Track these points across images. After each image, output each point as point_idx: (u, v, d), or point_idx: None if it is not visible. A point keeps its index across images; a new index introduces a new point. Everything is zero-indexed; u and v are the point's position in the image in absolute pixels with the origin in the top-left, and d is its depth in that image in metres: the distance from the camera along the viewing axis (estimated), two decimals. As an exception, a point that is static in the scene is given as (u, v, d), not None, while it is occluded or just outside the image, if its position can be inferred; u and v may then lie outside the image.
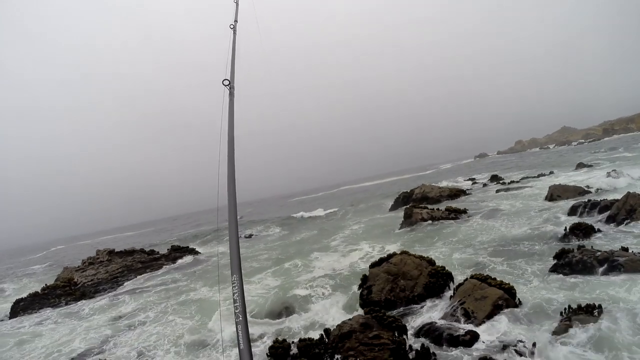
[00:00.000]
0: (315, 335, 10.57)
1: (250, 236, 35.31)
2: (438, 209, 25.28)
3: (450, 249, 17.27)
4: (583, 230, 15.24)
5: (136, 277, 26.18)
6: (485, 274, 11.37)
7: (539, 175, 40.00)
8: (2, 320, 20.82)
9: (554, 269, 12.25)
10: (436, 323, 10.28)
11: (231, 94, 5.45)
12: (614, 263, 11.11)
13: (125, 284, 24.43)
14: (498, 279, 10.93)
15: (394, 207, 36.41)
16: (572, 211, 19.30)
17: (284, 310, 14.09)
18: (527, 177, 40.37)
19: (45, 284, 24.88)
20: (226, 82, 5.39)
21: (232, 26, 6.34)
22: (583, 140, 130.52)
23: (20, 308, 21.78)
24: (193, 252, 30.80)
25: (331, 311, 13.27)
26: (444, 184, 41.83)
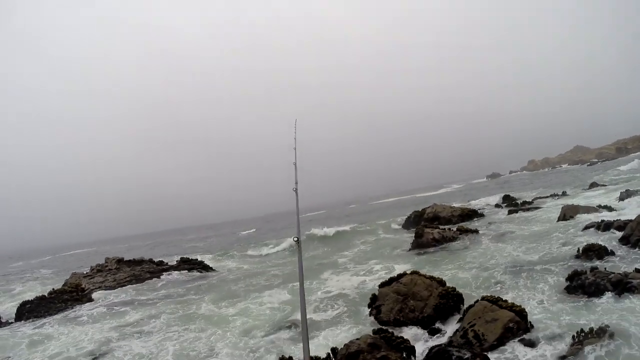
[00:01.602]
0: (322, 353, 10.49)
1: (259, 255, 35.09)
2: (450, 229, 25.11)
3: (461, 270, 17.11)
4: (596, 252, 15.03)
5: (142, 285, 26.14)
6: (496, 296, 11.23)
7: (551, 196, 39.67)
8: (10, 323, 20.91)
9: (567, 291, 12.07)
10: (445, 346, 10.14)
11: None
12: (627, 285, 10.91)
13: (129, 292, 24.36)
14: (509, 301, 10.79)
15: (404, 226, 36.22)
16: (585, 232, 19.08)
17: (292, 326, 14.03)
18: (539, 198, 40.05)
19: (53, 288, 24.89)
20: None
21: (294, 189, 6.48)
22: (596, 160, 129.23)
23: (26, 310, 21.70)
24: (202, 265, 30.64)
25: (339, 330, 13.17)
26: (456, 203, 41.49)
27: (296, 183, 6.30)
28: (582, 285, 11.80)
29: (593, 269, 12.60)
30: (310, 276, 21.04)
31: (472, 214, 34.76)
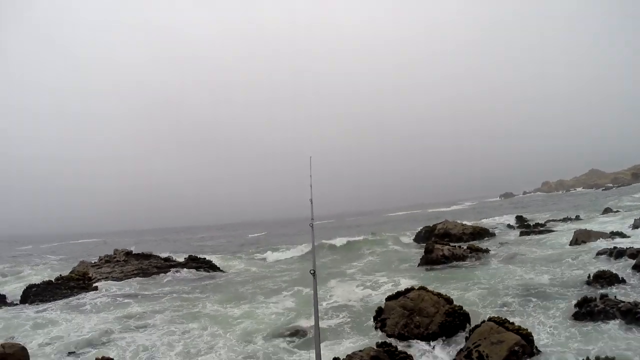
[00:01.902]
0: (323, 362, 10.46)
1: (268, 259, 35.01)
2: (460, 247, 24.91)
3: (469, 289, 16.96)
4: (607, 279, 14.87)
5: (148, 279, 26.33)
6: (503, 318, 11.13)
7: (564, 219, 39.37)
8: (15, 304, 21.31)
9: (575, 318, 11.95)
10: (449, 364, 10.08)
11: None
12: (637, 315, 10.81)
13: (135, 285, 24.54)
14: (516, 324, 10.70)
15: (414, 241, 36.09)
16: (597, 258, 18.89)
17: (293, 333, 14.05)
18: (552, 220, 39.76)
19: (60, 274, 25.14)
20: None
21: (310, 224, 6.61)
22: (611, 185, 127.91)
23: (32, 293, 21.96)
24: (210, 264, 30.68)
25: (342, 340, 13.14)
26: (467, 221, 41.26)
27: (312, 219, 6.39)
28: (591, 313, 11.69)
29: (603, 296, 12.46)
30: (319, 283, 21.03)
31: (483, 232, 34.55)
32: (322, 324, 14.51)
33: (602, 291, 13.64)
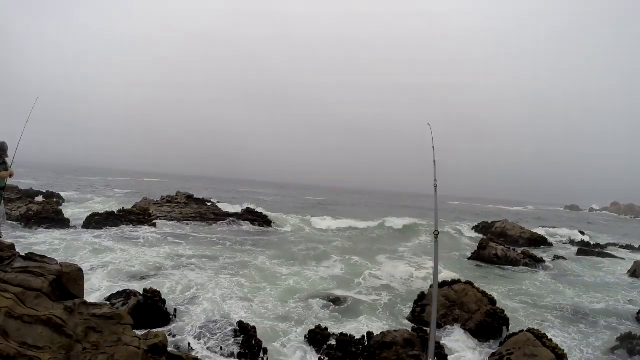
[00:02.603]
0: (357, 335, 10.82)
1: (323, 224, 35.17)
2: (514, 250, 24.50)
3: (513, 295, 16.92)
4: (656, 320, 14.51)
5: (205, 224, 27.36)
6: (542, 332, 11.08)
7: (627, 246, 37.93)
8: (78, 229, 22.91)
9: (613, 351, 11.79)
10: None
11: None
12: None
13: (191, 228, 25.62)
14: (554, 342, 10.64)
15: (470, 234, 35.81)
16: (653, 295, 18.35)
17: (335, 300, 14.42)
18: (614, 244, 38.36)
19: (123, 207, 26.74)
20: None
21: (434, 185, 6.79)
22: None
23: (94, 221, 23.78)
24: (265, 219, 31.47)
25: (378, 317, 13.47)
26: (526, 226, 40.36)
27: (435, 180, 6.62)
28: (631, 350, 11.52)
29: (647, 336, 12.22)
30: (369, 257, 21.40)
31: (540, 240, 33.80)
32: (363, 298, 14.93)
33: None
